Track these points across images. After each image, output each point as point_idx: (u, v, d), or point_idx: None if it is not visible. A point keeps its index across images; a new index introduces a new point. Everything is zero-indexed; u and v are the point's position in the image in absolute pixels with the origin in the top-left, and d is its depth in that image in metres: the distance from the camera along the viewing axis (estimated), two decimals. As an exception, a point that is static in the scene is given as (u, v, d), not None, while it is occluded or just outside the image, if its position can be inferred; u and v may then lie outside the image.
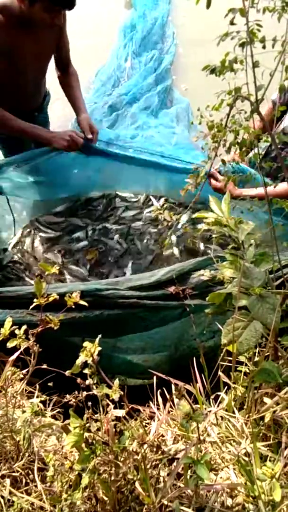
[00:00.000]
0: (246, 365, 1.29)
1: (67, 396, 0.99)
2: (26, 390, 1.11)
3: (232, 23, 1.05)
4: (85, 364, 0.93)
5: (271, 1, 1.03)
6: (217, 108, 1.13)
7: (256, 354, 1.31)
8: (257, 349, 1.31)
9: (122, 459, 0.90)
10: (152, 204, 2.28)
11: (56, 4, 1.72)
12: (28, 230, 2.26)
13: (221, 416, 1.15)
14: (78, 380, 0.91)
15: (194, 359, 1.28)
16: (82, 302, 1.07)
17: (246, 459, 1.01)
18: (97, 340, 0.94)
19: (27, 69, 2.00)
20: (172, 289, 1.47)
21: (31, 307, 0.98)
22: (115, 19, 3.59)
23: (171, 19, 3.43)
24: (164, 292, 1.47)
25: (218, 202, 1.44)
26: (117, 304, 1.43)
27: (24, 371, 1.05)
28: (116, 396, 0.86)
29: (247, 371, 1.28)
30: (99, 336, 0.96)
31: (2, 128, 1.99)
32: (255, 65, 1.08)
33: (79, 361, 0.90)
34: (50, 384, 1.14)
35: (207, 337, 1.57)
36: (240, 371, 1.28)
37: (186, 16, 3.38)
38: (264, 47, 1.05)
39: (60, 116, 2.56)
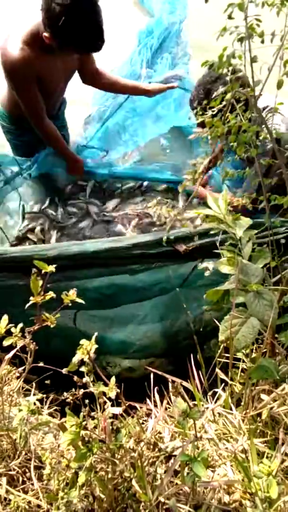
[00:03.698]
0: (243, 361, 1.29)
1: (64, 394, 0.99)
2: (23, 388, 1.11)
3: (230, 17, 1.04)
4: (81, 362, 0.93)
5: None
6: (215, 104, 1.12)
7: (254, 350, 1.31)
8: (255, 346, 1.31)
9: (119, 456, 0.90)
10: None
11: (89, 52, 1.78)
12: (35, 218, 2.25)
13: (219, 413, 1.15)
14: (75, 378, 0.91)
15: (192, 355, 1.28)
16: (79, 300, 1.06)
17: (243, 455, 1.01)
18: (93, 338, 0.94)
19: (55, 91, 2.07)
20: (182, 248, 1.42)
21: (27, 305, 0.97)
22: (124, 19, 3.51)
23: (185, 24, 3.36)
24: (169, 249, 1.44)
25: (216, 198, 1.43)
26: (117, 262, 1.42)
27: (20, 369, 1.05)
28: (112, 394, 0.86)
29: (245, 367, 1.28)
30: (95, 334, 0.96)
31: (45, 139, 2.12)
32: (253, 60, 1.07)
33: (75, 359, 0.90)
34: (47, 381, 1.14)
35: (202, 310, 1.55)
36: (238, 368, 1.29)
37: (199, 21, 3.29)
38: (262, 41, 1.04)
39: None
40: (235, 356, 1.24)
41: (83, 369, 0.90)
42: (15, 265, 1.37)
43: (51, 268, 0.99)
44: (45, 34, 1.67)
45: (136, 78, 2.74)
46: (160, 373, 1.24)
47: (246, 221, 1.40)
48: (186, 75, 2.64)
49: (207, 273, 1.33)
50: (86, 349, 0.88)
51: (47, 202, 2.29)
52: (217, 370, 1.20)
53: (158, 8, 3.39)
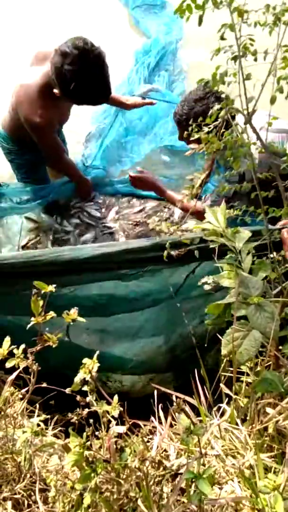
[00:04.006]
0: (247, 375, 1.28)
1: (69, 414, 0.99)
2: (27, 409, 1.10)
3: (222, 38, 1.07)
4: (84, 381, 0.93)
5: (263, 14, 1.04)
6: (210, 121, 1.14)
7: (258, 363, 1.30)
8: (259, 359, 1.30)
9: (124, 476, 0.89)
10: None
11: (96, 105, 1.95)
12: (36, 235, 2.27)
13: (225, 428, 1.14)
14: (78, 397, 0.91)
15: (196, 370, 1.27)
16: (80, 319, 1.07)
17: (251, 471, 1.00)
18: (95, 356, 0.94)
19: (65, 120, 2.24)
20: (175, 252, 1.40)
21: (28, 325, 0.98)
22: (122, 40, 3.59)
23: (181, 44, 3.45)
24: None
25: (214, 212, 1.44)
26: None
27: (23, 390, 1.05)
28: (115, 413, 0.86)
29: (249, 381, 1.27)
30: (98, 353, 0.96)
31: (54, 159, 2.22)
32: (247, 77, 1.09)
33: (78, 379, 0.90)
34: (51, 402, 1.13)
35: (197, 322, 1.52)
36: (242, 381, 1.28)
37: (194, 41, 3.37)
38: (255, 59, 1.07)
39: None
40: (239, 370, 1.23)
41: (85, 388, 0.90)
42: (7, 271, 1.37)
43: (51, 287, 1.00)
44: (55, 90, 1.79)
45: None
46: (163, 389, 1.24)
47: (245, 234, 1.41)
48: (162, 88, 2.74)
49: (206, 287, 1.33)
50: (88, 368, 0.89)
51: (44, 216, 2.33)
52: (221, 385, 1.19)
53: (154, 30, 3.49)
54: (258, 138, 1.15)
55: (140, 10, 3.73)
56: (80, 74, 1.69)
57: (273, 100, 1.10)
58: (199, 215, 2.06)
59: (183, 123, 1.80)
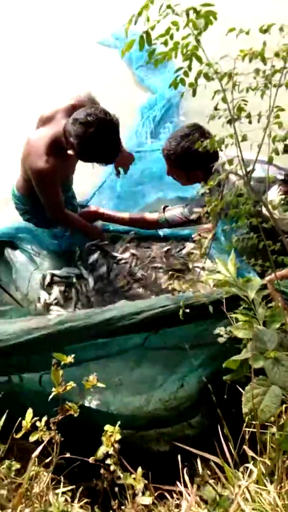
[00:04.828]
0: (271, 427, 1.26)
1: (93, 480, 0.99)
2: (52, 479, 1.10)
3: (216, 108, 1.14)
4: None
5: (254, 79, 1.11)
6: (211, 184, 1.19)
7: (281, 414, 1.28)
8: (282, 407, 1.28)
9: None
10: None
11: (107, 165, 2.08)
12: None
13: (254, 489, 1.11)
14: (102, 470, 0.91)
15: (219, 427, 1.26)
16: (100, 384, 1.08)
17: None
18: (117, 426, 0.95)
19: (71, 174, 2.37)
20: None
21: (50, 397, 1.00)
22: (127, 97, 3.78)
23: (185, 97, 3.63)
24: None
25: (225, 262, 1.47)
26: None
27: (48, 460, 1.05)
28: (140, 486, 0.86)
29: (274, 431, 1.24)
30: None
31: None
32: (243, 138, 1.15)
33: (101, 452, 0.91)
34: (76, 469, 1.13)
35: (177, 385, 1.48)
36: (269, 435, 1.25)
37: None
38: (250, 122, 1.13)
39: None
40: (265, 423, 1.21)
41: (109, 461, 0.90)
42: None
43: (70, 358, 1.03)
44: (70, 152, 1.94)
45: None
46: (188, 448, 1.22)
47: (257, 282, 1.43)
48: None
49: (221, 340, 1.34)
50: (110, 440, 0.89)
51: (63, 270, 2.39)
52: (245, 447, 1.17)
53: (159, 85, 3.67)
54: (258, 197, 1.19)
55: (144, 69, 3.97)
56: (100, 142, 1.86)
57: (270, 160, 1.16)
58: (150, 225, 2.29)
59: (171, 157, 1.95)
